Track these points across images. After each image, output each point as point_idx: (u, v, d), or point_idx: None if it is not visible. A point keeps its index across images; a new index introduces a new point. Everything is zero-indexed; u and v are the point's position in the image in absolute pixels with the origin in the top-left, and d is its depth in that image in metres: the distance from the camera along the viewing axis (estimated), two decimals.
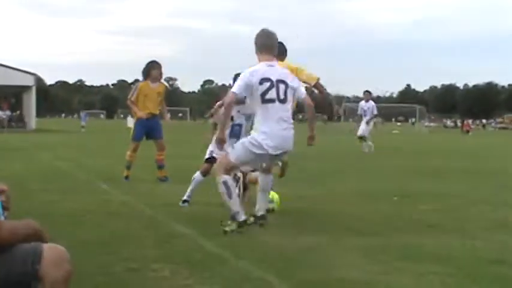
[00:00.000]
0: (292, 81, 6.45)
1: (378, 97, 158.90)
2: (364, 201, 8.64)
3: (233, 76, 7.26)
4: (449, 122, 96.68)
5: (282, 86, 6.31)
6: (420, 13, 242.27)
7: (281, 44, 7.44)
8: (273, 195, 7.46)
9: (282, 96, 6.29)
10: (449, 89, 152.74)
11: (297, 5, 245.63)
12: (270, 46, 6.44)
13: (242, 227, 6.18)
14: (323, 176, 10.70)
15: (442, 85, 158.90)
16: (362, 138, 21.10)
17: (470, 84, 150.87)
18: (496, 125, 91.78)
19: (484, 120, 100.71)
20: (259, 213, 6.67)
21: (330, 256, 5.25)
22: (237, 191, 6.54)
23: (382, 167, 14.73)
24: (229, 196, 6.25)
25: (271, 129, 6.25)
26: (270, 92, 6.27)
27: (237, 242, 5.74)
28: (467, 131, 58.31)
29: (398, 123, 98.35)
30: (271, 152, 6.27)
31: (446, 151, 23.51)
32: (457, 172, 13.45)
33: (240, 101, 6.74)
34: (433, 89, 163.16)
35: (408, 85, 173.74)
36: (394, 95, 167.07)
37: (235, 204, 6.25)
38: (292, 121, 6.44)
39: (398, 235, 6.21)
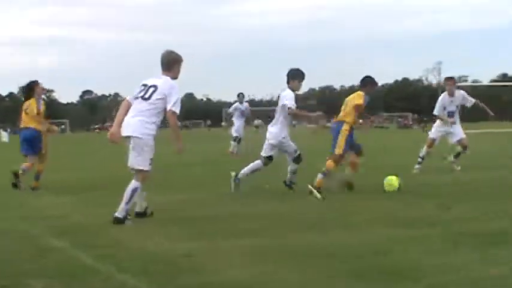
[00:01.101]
0: (165, 88, 7.30)
1: (261, 100, 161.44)
2: (249, 202, 8.63)
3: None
4: (328, 124, 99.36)
5: (151, 89, 7.35)
6: (301, 16, 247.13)
7: (368, 77, 10.29)
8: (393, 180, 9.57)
9: (146, 96, 7.33)
10: (327, 91, 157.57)
11: (184, 9, 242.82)
12: (162, 63, 7.57)
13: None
14: (205, 180, 10.73)
15: (320, 87, 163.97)
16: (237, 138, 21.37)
17: (347, 85, 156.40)
18: (372, 124, 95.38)
19: (360, 120, 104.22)
20: (136, 210, 7.45)
21: (213, 260, 5.21)
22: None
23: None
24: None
25: (128, 118, 7.35)
26: (140, 92, 7.42)
27: (114, 252, 5.59)
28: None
29: None
30: (123, 133, 7.29)
31: (321, 150, 24.09)
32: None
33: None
34: (311, 91, 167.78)
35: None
36: (274, 99, 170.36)
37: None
38: (148, 116, 7.21)
39: (282, 233, 6.27)
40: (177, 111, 7.24)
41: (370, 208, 7.85)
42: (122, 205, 7.12)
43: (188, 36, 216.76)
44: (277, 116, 9.84)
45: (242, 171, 9.81)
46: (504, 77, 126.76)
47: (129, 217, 7.20)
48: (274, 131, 9.79)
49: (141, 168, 7.20)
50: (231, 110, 22.02)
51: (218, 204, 8.62)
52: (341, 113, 10.04)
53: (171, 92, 7.28)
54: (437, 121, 13.22)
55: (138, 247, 5.84)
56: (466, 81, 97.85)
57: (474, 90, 38.57)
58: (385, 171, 12.97)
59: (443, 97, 13.13)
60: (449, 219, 6.99)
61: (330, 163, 9.60)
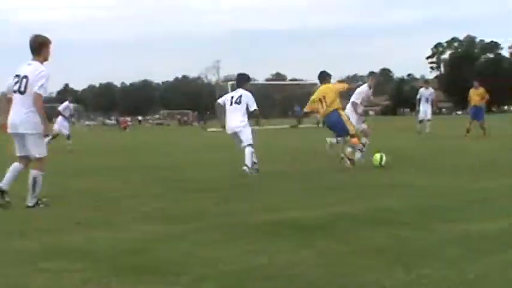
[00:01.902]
0: (35, 75, 7.76)
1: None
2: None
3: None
4: (108, 120, 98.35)
5: (24, 80, 7.81)
6: (81, 13, 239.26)
7: (325, 72, 12.74)
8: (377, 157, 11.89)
9: (22, 89, 7.81)
10: (108, 88, 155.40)
11: None
12: (31, 48, 7.97)
13: None
14: None
15: (100, 84, 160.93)
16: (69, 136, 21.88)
17: (128, 83, 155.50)
18: (153, 121, 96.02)
19: (139, 117, 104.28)
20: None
21: None
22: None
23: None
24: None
25: (12, 113, 7.91)
26: (15, 85, 7.86)
27: None
28: (125, 128, 60.37)
29: None
30: (11, 130, 7.91)
31: (103, 149, 24.10)
32: (112, 169, 13.79)
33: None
34: (91, 87, 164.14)
35: (66, 84, 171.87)
36: (53, 95, 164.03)
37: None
38: (30, 107, 7.71)
39: (44, 235, 6.14)
40: (42, 93, 7.77)
41: (136, 208, 7.80)
42: (29, 196, 7.83)
43: None
44: (242, 112, 11.89)
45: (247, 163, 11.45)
46: (278, 76, 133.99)
47: (40, 201, 7.89)
48: (243, 122, 11.90)
49: (41, 156, 7.93)
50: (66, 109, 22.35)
51: None
52: (323, 109, 12.26)
53: (39, 77, 7.76)
54: (350, 112, 13.90)
55: None
56: None
57: (251, 87, 40.62)
58: (160, 170, 13.55)
59: (364, 88, 14.18)
60: (225, 213, 7.22)
61: (354, 140, 12.08)
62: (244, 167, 11.40)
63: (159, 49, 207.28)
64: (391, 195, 8.39)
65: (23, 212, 7.66)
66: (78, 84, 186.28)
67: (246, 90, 12.20)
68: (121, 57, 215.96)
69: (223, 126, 12.34)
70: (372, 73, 15.04)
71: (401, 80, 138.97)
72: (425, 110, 25.60)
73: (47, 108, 8.79)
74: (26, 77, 7.81)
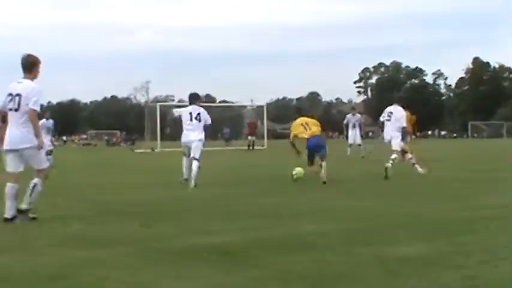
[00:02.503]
0: (28, 93, 8.16)
1: None
2: None
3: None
4: None
5: (17, 98, 8.18)
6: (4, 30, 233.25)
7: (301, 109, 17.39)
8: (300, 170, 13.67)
9: (15, 106, 8.18)
10: None
11: None
12: (23, 66, 8.34)
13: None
14: None
15: None
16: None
17: (54, 102, 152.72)
18: (80, 141, 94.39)
19: (64, 137, 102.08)
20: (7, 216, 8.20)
21: None
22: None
23: None
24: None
25: (9, 131, 8.28)
26: (10, 103, 8.24)
27: None
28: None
29: None
30: (8, 147, 8.24)
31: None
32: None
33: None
34: None
35: None
36: None
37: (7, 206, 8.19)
38: (25, 124, 8.12)
39: None
40: (37, 109, 8.18)
41: (56, 231, 7.63)
42: (25, 199, 8.28)
43: None
44: (197, 125, 13.24)
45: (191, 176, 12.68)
46: (208, 97, 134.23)
47: (32, 213, 8.37)
48: (200, 136, 13.25)
49: (43, 167, 8.44)
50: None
51: None
52: (309, 132, 13.82)
53: (33, 94, 8.18)
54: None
55: None
56: (173, 100, 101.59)
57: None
58: (86, 191, 13.29)
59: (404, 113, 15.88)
60: (148, 237, 7.14)
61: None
62: (190, 180, 12.59)
63: (88, 68, 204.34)
64: (315, 219, 8.46)
65: None
66: None
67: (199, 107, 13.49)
68: (48, 75, 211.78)
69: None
70: (400, 99, 16.78)
71: (329, 103, 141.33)
72: (353, 135, 26.33)
73: None
74: (18, 94, 8.19)
